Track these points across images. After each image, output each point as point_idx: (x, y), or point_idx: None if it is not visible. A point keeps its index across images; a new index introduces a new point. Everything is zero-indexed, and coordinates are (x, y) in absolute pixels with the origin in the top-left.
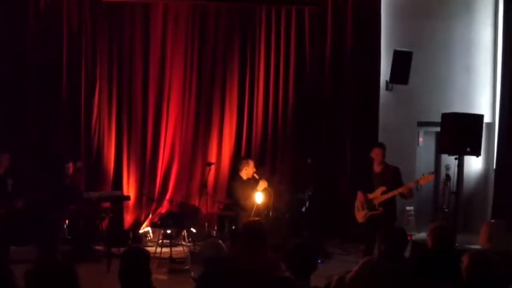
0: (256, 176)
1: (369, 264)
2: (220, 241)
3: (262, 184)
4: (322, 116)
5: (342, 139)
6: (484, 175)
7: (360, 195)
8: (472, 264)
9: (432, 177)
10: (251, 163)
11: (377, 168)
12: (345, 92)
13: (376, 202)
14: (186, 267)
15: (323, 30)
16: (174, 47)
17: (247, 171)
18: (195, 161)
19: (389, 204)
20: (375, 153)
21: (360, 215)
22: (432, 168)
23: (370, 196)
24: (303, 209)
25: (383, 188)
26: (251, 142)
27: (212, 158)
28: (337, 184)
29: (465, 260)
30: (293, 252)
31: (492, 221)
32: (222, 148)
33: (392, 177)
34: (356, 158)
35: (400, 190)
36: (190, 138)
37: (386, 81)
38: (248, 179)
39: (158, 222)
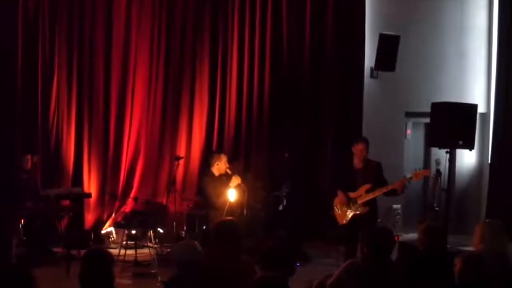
0: (229, 172)
1: (352, 268)
2: (197, 243)
3: (235, 180)
4: (300, 106)
5: (322, 131)
6: (478, 171)
7: (340, 195)
8: (465, 267)
9: (427, 172)
10: (224, 158)
11: (358, 164)
12: (326, 80)
13: (360, 201)
14: (153, 271)
15: (301, 12)
16: (139, 32)
17: (219, 166)
18: (162, 155)
19: (374, 203)
20: (359, 149)
21: (342, 216)
22: (421, 163)
23: (352, 195)
24: (280, 208)
25: (367, 186)
26: (223, 134)
27: (181, 152)
28: (317, 180)
29: (458, 263)
30: (268, 254)
31: (487, 220)
32: (191, 141)
33: (376, 173)
34: (338, 152)
35: (392, 186)
36: (157, 130)
37: (371, 68)
38: (220, 175)
39: (122, 222)
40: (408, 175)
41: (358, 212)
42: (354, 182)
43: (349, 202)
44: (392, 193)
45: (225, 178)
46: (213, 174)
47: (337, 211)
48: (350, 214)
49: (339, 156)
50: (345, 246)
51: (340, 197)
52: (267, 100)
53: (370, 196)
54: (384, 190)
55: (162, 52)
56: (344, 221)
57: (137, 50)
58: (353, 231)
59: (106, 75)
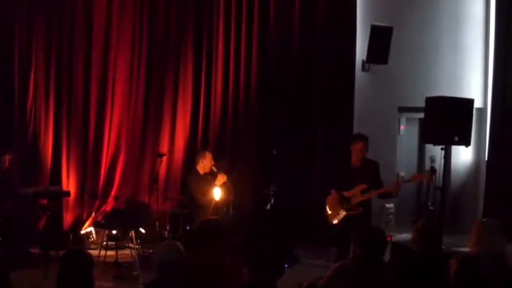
0: (214, 170)
1: (344, 269)
2: (179, 243)
3: (221, 179)
4: (289, 101)
5: (312, 127)
6: (474, 168)
7: (334, 194)
8: (460, 269)
9: (426, 175)
10: (209, 155)
11: (356, 162)
12: (316, 73)
13: (355, 201)
14: (134, 273)
15: (290, 2)
16: (120, 25)
17: (204, 164)
18: (144, 152)
19: (368, 204)
20: (358, 147)
21: (334, 216)
22: (415, 160)
23: (346, 194)
24: (268, 207)
25: (363, 186)
26: (208, 130)
27: (164, 148)
28: (306, 178)
29: (453, 264)
30: (256, 255)
31: (483, 220)
32: (175, 137)
33: (373, 173)
34: (328, 148)
35: (388, 189)
36: (138, 126)
37: (363, 61)
38: (205, 173)
39: (102, 222)
40: (404, 177)
41: (351, 212)
42: (350, 181)
43: (343, 202)
44: (387, 195)
45: (210, 177)
46: (198, 172)
47: (329, 210)
48: (342, 214)
49: (331, 153)
50: (337, 247)
51: (333, 196)
52: (254, 95)
53: (365, 196)
54: (380, 191)
55: (144, 46)
56: (336, 221)
57: (118, 44)
58: (346, 232)
59: (86, 71)
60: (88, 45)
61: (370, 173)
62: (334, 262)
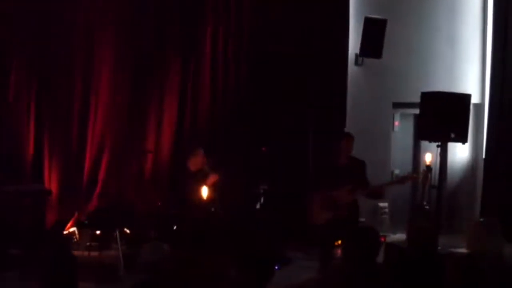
0: (206, 168)
1: (335, 272)
2: (165, 244)
3: (212, 179)
4: (278, 96)
5: (303, 123)
6: (472, 166)
7: (321, 193)
8: (457, 271)
9: (416, 177)
10: (201, 152)
11: (342, 161)
12: (307, 67)
13: (341, 201)
14: (119, 275)
15: None
16: (104, 17)
17: (196, 160)
18: (129, 148)
19: (355, 204)
20: (343, 145)
21: (320, 216)
22: (409, 158)
23: (334, 194)
24: (257, 206)
25: (350, 186)
26: (195, 126)
27: (150, 144)
28: (297, 176)
29: (449, 266)
30: (245, 256)
31: (481, 220)
32: (161, 133)
33: (361, 172)
34: (320, 146)
35: (376, 189)
36: (123, 122)
37: (356, 55)
38: (196, 170)
39: (86, 221)
40: (399, 174)
41: (338, 212)
42: (337, 180)
43: (330, 202)
44: (375, 196)
45: (200, 175)
46: (189, 169)
47: (316, 210)
48: (329, 214)
49: (322, 151)
50: (322, 248)
51: (320, 196)
52: (243, 90)
53: (353, 196)
54: (368, 191)
55: (129, 39)
56: (322, 222)
57: (102, 38)
58: (332, 233)
59: (69, 66)
60: (70, 39)
61: (358, 172)
62: (320, 264)
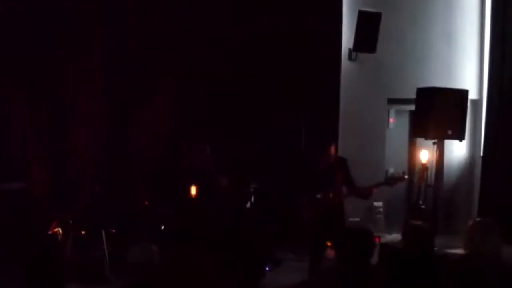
0: (210, 168)
1: (328, 273)
2: (154, 245)
3: (223, 180)
4: (270, 92)
5: (295, 120)
6: (469, 164)
7: (308, 195)
8: (454, 272)
9: (404, 178)
10: (207, 149)
11: (325, 164)
12: (299, 63)
13: (328, 202)
14: (105, 275)
15: None
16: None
17: (201, 157)
18: (118, 146)
19: (341, 205)
20: (329, 151)
21: (307, 218)
22: (405, 155)
23: (321, 195)
24: (248, 205)
25: (335, 187)
26: (187, 124)
27: (139, 144)
28: (288, 175)
29: (446, 267)
30: (235, 257)
31: (478, 219)
32: (152, 128)
33: (345, 172)
34: (313, 143)
35: (363, 191)
36: (112, 114)
37: (349, 49)
38: (200, 167)
39: (71, 221)
40: (394, 173)
41: (325, 213)
42: (323, 182)
43: (318, 203)
44: (362, 196)
45: (201, 173)
46: (189, 166)
47: (303, 212)
48: (316, 215)
49: (316, 148)
50: (311, 249)
51: (308, 198)
52: (233, 85)
53: (339, 197)
54: (355, 193)
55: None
56: (309, 223)
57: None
58: (319, 234)
59: (55, 57)
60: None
61: (343, 171)
62: (309, 265)
